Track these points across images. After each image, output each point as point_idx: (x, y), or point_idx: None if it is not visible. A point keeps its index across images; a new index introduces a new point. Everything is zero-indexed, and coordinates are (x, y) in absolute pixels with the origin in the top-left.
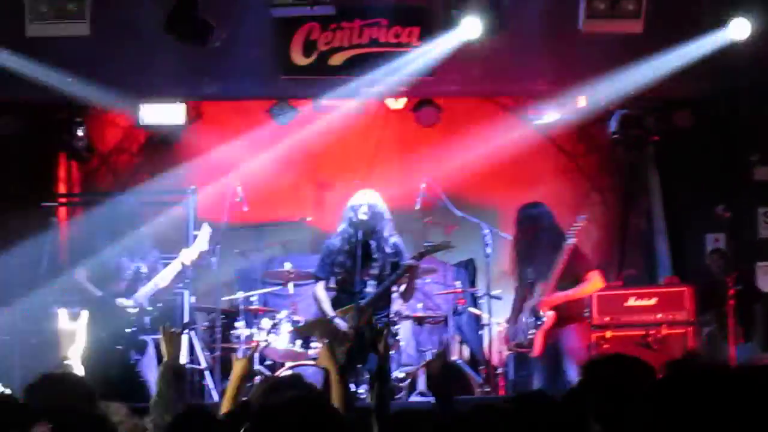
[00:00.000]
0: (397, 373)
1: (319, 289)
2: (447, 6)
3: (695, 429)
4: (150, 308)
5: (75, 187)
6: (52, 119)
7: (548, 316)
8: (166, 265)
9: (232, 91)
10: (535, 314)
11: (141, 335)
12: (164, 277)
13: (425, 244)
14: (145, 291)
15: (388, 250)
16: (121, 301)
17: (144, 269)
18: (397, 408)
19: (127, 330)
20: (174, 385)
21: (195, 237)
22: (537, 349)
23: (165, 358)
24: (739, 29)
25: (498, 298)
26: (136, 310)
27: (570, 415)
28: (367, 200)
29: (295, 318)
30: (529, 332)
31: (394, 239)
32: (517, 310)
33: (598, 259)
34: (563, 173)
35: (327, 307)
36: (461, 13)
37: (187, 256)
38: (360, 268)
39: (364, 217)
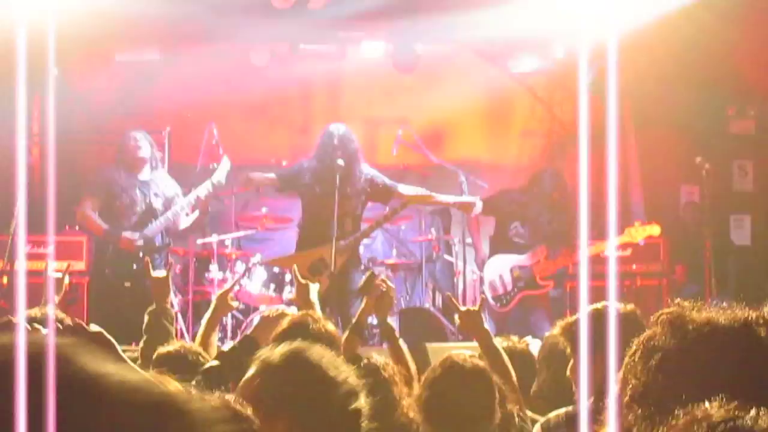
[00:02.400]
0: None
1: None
2: None
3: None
4: (159, 245)
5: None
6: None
7: (547, 283)
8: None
9: (211, 33)
10: (526, 276)
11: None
12: (176, 212)
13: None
14: (155, 226)
15: (362, 185)
16: (127, 234)
17: (158, 204)
18: None
19: (135, 267)
20: (159, 331)
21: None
22: (510, 306)
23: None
24: None
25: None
26: (141, 244)
27: None
28: (339, 134)
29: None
30: (510, 290)
31: (368, 170)
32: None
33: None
34: (540, 122)
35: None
36: None
37: (203, 190)
38: (336, 206)
39: (338, 153)
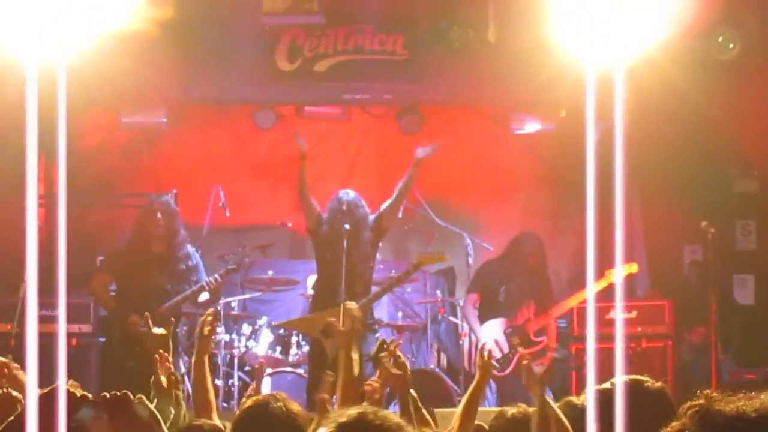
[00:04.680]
0: None
1: None
2: (432, 14)
3: None
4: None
5: (55, 188)
6: None
7: (541, 340)
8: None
9: (217, 95)
10: (520, 335)
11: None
12: (186, 297)
13: (419, 254)
14: (165, 306)
15: (370, 244)
16: (134, 318)
17: (172, 283)
18: None
19: (138, 349)
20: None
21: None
22: (510, 369)
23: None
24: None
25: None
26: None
27: None
28: (348, 200)
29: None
30: (508, 351)
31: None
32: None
33: (576, 268)
34: (543, 183)
35: None
36: (446, 21)
37: (215, 276)
38: (344, 270)
39: (347, 219)
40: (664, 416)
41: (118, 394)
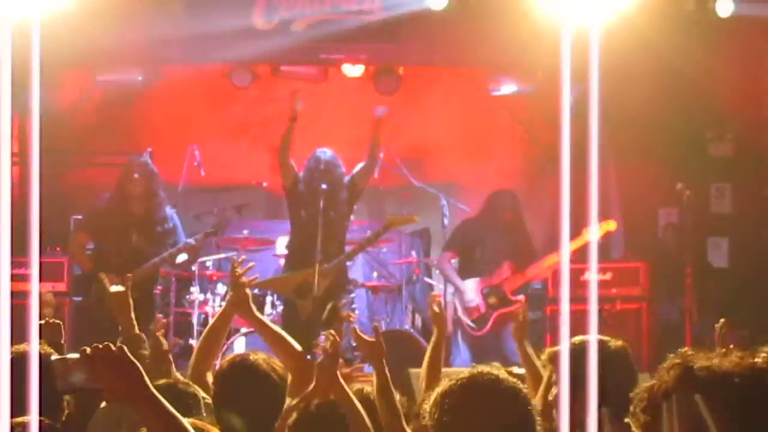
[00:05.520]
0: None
1: None
2: None
3: None
4: None
5: (28, 146)
6: None
7: (518, 299)
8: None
9: (193, 54)
10: (498, 295)
11: None
12: (164, 259)
13: (390, 215)
14: (142, 270)
15: (345, 204)
16: (110, 277)
17: (149, 244)
18: None
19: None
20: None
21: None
22: (488, 329)
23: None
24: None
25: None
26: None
27: None
28: (325, 160)
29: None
30: (485, 311)
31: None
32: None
33: (552, 231)
34: (519, 144)
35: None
36: None
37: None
38: (320, 230)
39: (324, 178)
40: (625, 375)
41: (106, 346)
